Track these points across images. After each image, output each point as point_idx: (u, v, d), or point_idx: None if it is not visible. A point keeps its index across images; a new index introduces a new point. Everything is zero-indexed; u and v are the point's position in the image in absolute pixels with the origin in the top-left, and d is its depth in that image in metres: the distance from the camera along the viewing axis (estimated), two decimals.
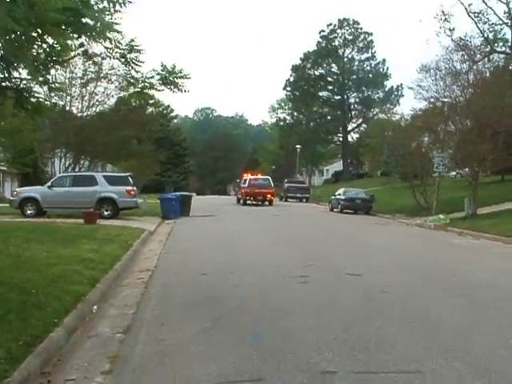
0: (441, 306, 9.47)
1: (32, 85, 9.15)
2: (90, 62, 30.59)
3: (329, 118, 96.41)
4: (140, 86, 10.11)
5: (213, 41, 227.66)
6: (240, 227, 26.19)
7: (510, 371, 6.24)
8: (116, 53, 8.72)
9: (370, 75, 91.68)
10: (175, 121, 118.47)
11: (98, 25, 7.24)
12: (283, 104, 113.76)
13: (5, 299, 8.00)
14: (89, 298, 8.99)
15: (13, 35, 6.60)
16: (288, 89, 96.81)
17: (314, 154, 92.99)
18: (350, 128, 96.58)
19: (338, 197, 43.09)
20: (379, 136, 51.73)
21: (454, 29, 40.88)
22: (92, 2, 7.32)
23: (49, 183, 29.39)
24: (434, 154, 35.31)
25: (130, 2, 7.50)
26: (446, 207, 32.86)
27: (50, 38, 7.63)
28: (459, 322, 8.34)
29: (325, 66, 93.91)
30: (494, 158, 31.53)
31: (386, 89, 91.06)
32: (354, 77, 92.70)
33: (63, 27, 7.05)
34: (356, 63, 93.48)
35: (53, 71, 10.68)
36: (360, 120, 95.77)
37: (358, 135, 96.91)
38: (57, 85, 10.50)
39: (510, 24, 43.79)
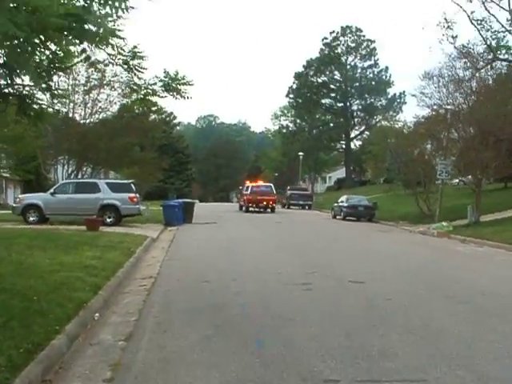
0: (444, 314, 9.42)
1: (35, 91, 9.16)
2: (93, 68, 30.93)
3: (331, 125, 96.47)
4: (143, 92, 10.12)
5: (216, 48, 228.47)
6: (242, 234, 26.17)
7: None
8: (119, 59, 8.73)
9: (373, 82, 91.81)
10: (178, 128, 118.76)
11: (101, 31, 7.24)
12: (286, 111, 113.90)
13: (7, 306, 7.98)
14: (91, 305, 8.96)
15: (15, 41, 6.61)
16: (291, 96, 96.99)
17: (317, 162, 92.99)
18: (352, 135, 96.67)
19: (340, 204, 43.05)
20: (382, 143, 51.72)
21: (456, 36, 40.70)
22: (94, 7, 7.33)
23: (51, 190, 29.40)
24: (437, 161, 35.23)
25: (133, 8, 7.51)
26: (449, 214, 32.80)
27: (52, 44, 7.63)
28: (462, 329, 8.29)
29: (327, 73, 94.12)
30: (496, 166, 31.50)
31: (389, 96, 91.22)
32: (357, 84, 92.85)
33: (65, 33, 7.04)
34: (359, 70, 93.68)
35: (55, 78, 10.72)
36: (363, 127, 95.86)
37: (360, 142, 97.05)
38: (59, 91, 10.52)
39: None
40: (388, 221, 38.26)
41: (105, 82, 35.93)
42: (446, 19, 40.62)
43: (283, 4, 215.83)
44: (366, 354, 6.87)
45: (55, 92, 9.66)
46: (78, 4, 7.30)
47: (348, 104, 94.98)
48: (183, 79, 9.92)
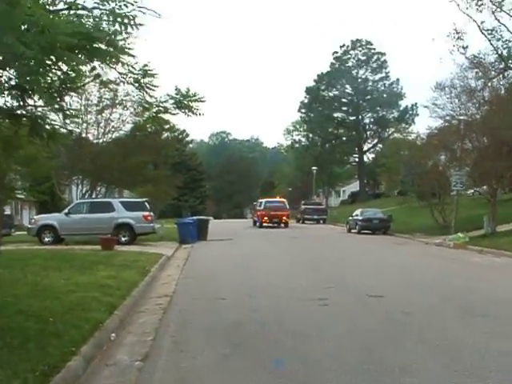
0: (464, 328, 9.29)
1: (47, 112, 9.17)
2: (105, 88, 31.06)
3: (344, 138, 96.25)
4: (154, 110, 10.10)
5: (227, 65, 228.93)
6: (257, 250, 26.11)
7: None
8: (130, 78, 8.70)
9: (385, 95, 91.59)
10: (191, 145, 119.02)
11: (111, 49, 7.24)
12: (298, 126, 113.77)
13: (22, 328, 7.95)
14: (107, 325, 8.90)
15: (26, 61, 6.61)
16: (303, 111, 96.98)
17: (331, 175, 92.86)
18: (365, 148, 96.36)
19: (355, 217, 42.87)
20: (395, 156, 51.57)
21: (467, 46, 40.63)
22: (104, 25, 7.33)
23: (66, 210, 29.49)
24: (452, 172, 35.01)
25: (142, 25, 7.50)
26: (465, 225, 32.51)
27: (63, 64, 7.64)
28: (482, 342, 8.15)
29: (339, 87, 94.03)
30: (511, 175, 31.26)
31: (401, 108, 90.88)
32: (369, 97, 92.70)
33: (76, 52, 7.04)
34: (370, 83, 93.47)
35: (68, 98, 10.73)
36: (375, 140, 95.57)
37: (373, 155, 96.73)
38: (72, 112, 10.52)
39: None
40: (403, 233, 37.98)
41: (117, 102, 36.06)
42: (456, 30, 40.58)
43: (293, 19, 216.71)
44: (388, 370, 6.75)
45: (67, 112, 9.65)
46: (87, 22, 7.31)
47: (360, 117, 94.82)
48: (194, 96, 9.88)
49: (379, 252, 26.28)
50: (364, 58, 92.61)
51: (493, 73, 40.49)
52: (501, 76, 40.47)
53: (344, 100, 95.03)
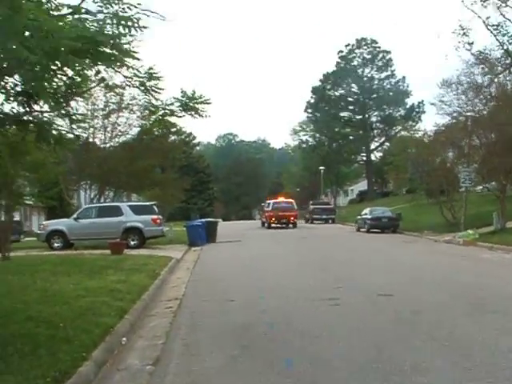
0: (474, 324, 9.23)
1: (53, 117, 9.18)
2: (111, 92, 31.12)
3: (351, 137, 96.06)
4: (160, 113, 10.08)
5: (232, 66, 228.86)
6: (265, 250, 26.10)
7: None
8: (135, 81, 8.70)
9: (391, 93, 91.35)
10: (198, 148, 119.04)
11: (115, 52, 7.24)
12: (305, 126, 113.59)
13: (33, 334, 7.95)
14: (117, 329, 8.90)
15: (30, 67, 6.62)
16: (309, 111, 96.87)
17: (338, 175, 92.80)
18: (372, 147, 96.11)
19: (364, 216, 42.80)
20: (402, 154, 51.38)
21: (472, 43, 40.43)
22: (108, 28, 7.32)
23: (75, 215, 29.59)
24: (460, 168, 34.89)
25: (145, 28, 7.49)
26: (475, 222, 32.34)
27: (68, 69, 7.64)
28: (492, 339, 8.10)
29: (345, 86, 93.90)
30: None
31: (408, 106, 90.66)
32: (375, 96, 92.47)
33: (80, 56, 7.04)
34: (376, 82, 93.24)
35: (74, 103, 10.74)
36: (382, 138, 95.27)
37: (381, 154, 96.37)
38: (78, 117, 10.52)
39: None
40: (412, 231, 37.84)
41: (123, 106, 36.16)
42: (461, 26, 40.41)
43: (298, 19, 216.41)
44: (398, 369, 6.71)
45: (74, 117, 9.66)
46: (91, 26, 7.30)
47: (367, 116, 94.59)
48: (200, 98, 9.86)
49: (388, 250, 26.22)
50: (369, 56, 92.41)
51: (499, 68, 40.38)
52: (507, 71, 40.30)
53: (350, 99, 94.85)
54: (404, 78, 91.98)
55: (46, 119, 8.93)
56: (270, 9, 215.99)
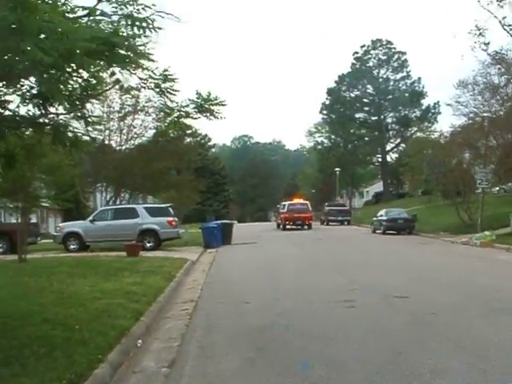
0: (490, 326, 9.15)
1: (69, 120, 9.19)
2: (127, 94, 31.23)
3: (367, 139, 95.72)
4: (176, 115, 10.06)
5: (247, 68, 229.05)
6: (281, 252, 26.06)
7: None
8: (150, 83, 8.68)
9: (406, 94, 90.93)
10: (213, 150, 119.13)
11: (130, 54, 7.23)
12: (320, 127, 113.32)
13: (49, 336, 7.97)
14: (133, 331, 8.89)
15: (46, 69, 6.62)
16: (324, 112, 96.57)
17: (354, 176, 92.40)
18: (388, 148, 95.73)
19: (380, 218, 42.60)
20: (418, 155, 51.14)
21: (489, 43, 40.08)
22: (122, 29, 7.31)
23: (91, 217, 29.69)
24: (476, 169, 34.67)
25: (160, 29, 7.48)
26: (491, 223, 32.08)
27: (84, 71, 7.64)
28: (508, 340, 8.04)
29: (360, 87, 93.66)
30: None
31: (423, 107, 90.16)
32: (390, 97, 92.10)
33: (95, 57, 7.04)
34: (391, 83, 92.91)
35: (89, 105, 10.76)
36: (398, 140, 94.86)
37: (396, 155, 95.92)
38: (94, 119, 10.54)
39: None
40: (428, 233, 37.63)
41: (139, 108, 36.27)
42: (477, 26, 40.11)
43: (313, 21, 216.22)
44: (414, 371, 6.66)
45: (89, 120, 9.67)
46: (106, 28, 7.30)
47: (382, 117, 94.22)
48: (216, 100, 9.83)
49: (404, 252, 26.09)
50: (385, 57, 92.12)
51: None
52: None
53: (365, 100, 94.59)
54: (420, 78, 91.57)
55: (61, 121, 8.93)
56: (286, 10, 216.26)
